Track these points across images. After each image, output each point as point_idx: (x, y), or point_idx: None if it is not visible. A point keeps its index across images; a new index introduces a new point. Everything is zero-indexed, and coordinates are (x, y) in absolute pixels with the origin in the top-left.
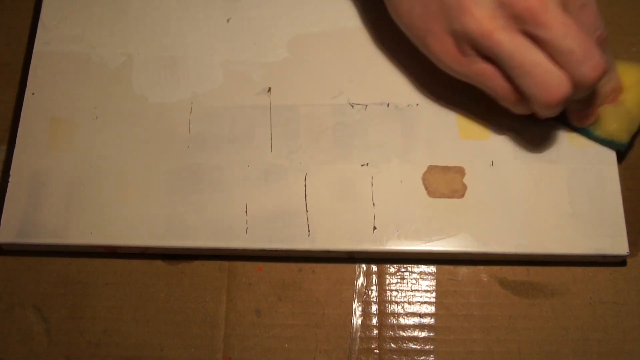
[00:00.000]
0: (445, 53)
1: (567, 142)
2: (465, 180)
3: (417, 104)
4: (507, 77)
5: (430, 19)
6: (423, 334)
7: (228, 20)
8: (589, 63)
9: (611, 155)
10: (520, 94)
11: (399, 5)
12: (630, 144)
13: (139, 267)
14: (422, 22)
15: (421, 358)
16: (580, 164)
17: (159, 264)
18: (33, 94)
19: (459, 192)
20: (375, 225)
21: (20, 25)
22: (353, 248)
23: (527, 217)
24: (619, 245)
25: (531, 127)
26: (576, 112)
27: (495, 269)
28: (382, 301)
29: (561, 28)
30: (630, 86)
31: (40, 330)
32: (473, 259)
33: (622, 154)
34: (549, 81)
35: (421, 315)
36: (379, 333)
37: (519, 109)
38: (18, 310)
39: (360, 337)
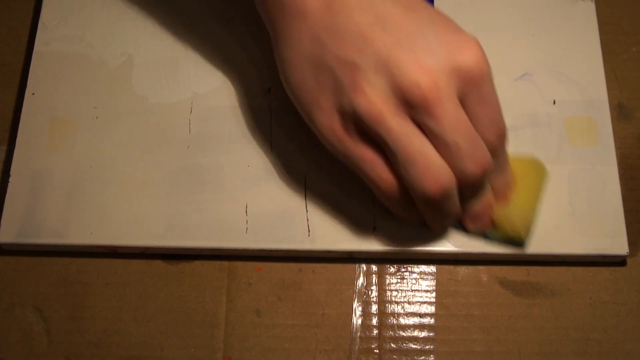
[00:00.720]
0: (329, 130)
1: (567, 142)
2: None
3: None
4: (389, 168)
5: (320, 93)
6: (423, 334)
7: (228, 20)
8: (472, 158)
9: (611, 155)
10: (402, 190)
11: (291, 74)
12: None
13: (139, 267)
14: (311, 95)
15: (421, 358)
16: (580, 164)
17: (159, 264)
18: (33, 94)
19: None
20: (375, 225)
21: (20, 25)
22: (353, 248)
23: None
24: (619, 246)
25: (531, 129)
26: (470, 217)
27: (495, 269)
28: (382, 301)
29: (450, 122)
30: (520, 178)
31: (40, 330)
32: (473, 259)
33: (622, 155)
34: (431, 172)
35: (421, 315)
36: (379, 333)
37: (399, 209)
38: (18, 310)
39: (360, 337)
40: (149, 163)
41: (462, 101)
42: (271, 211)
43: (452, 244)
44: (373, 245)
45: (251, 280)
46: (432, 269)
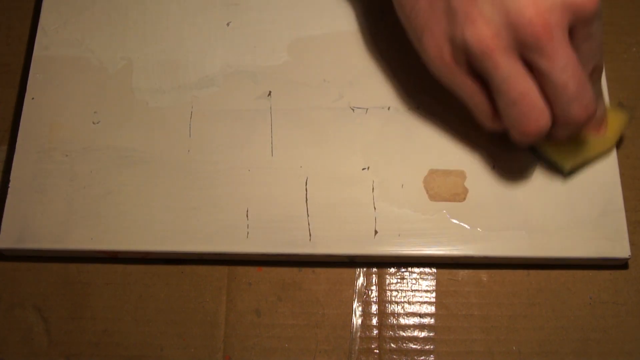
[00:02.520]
0: (437, 56)
1: None
2: (467, 183)
3: (418, 108)
4: (490, 100)
5: (432, 18)
6: (423, 334)
7: (228, 24)
8: (579, 102)
9: (612, 157)
10: (498, 118)
11: None
12: (568, 173)
13: (139, 267)
14: (423, 19)
15: (421, 358)
16: None
17: (159, 264)
18: (33, 98)
19: (460, 195)
20: (377, 229)
21: (21, 25)
22: (354, 252)
23: (528, 221)
24: (621, 249)
25: None
26: (558, 126)
27: (495, 269)
28: (382, 301)
29: (562, 60)
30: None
31: (40, 330)
32: (474, 263)
33: (622, 155)
34: (531, 115)
35: (421, 315)
36: (379, 333)
37: (492, 127)
38: (18, 310)
39: (360, 337)
40: (149, 167)
41: (570, 35)
42: (272, 215)
43: (452, 247)
44: (374, 249)
45: (251, 281)
46: (432, 269)
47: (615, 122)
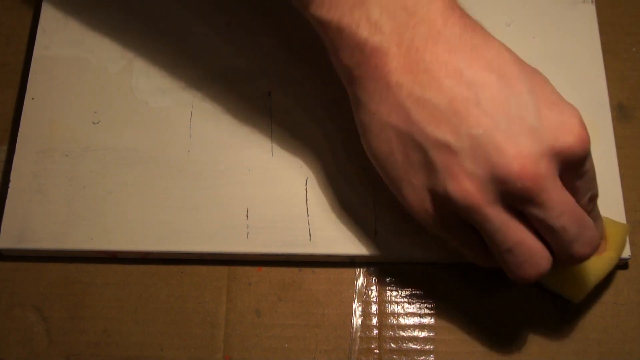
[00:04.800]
0: (421, 209)
1: None
2: None
3: None
4: (484, 246)
5: (410, 171)
6: (423, 334)
7: (228, 24)
8: (581, 241)
9: (612, 156)
10: (494, 261)
11: (377, 145)
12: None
13: (139, 267)
14: (400, 171)
15: (421, 358)
16: None
17: (158, 264)
18: (33, 98)
19: None
20: (377, 229)
21: (21, 25)
22: (354, 252)
23: None
24: None
25: None
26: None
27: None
28: (382, 301)
29: (557, 208)
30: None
31: (40, 330)
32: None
33: (622, 155)
34: (530, 261)
35: (421, 315)
36: (379, 333)
37: (488, 266)
38: (18, 310)
39: (360, 337)
40: (149, 167)
41: (561, 176)
42: (272, 215)
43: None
44: (374, 249)
45: (251, 281)
46: (432, 269)
47: (616, 236)
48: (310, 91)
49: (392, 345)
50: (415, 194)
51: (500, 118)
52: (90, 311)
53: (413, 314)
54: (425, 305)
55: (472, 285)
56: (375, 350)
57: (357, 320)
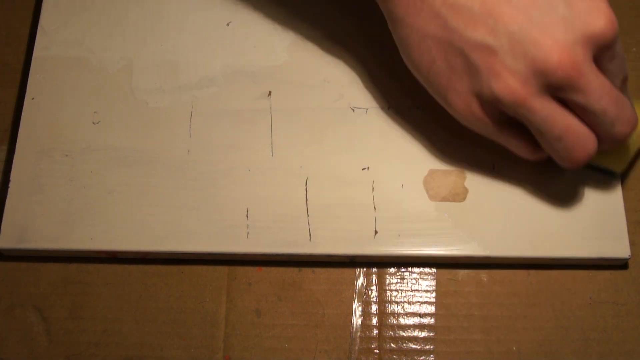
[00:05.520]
0: (467, 112)
1: None
2: (467, 183)
3: (418, 108)
4: (534, 142)
5: (453, 77)
6: (423, 334)
7: (228, 24)
8: (621, 121)
9: None
10: (542, 150)
11: (418, 57)
12: (621, 172)
13: (139, 267)
14: (444, 79)
15: (421, 358)
16: None
17: (158, 264)
18: (33, 98)
19: (460, 195)
20: (377, 229)
21: (20, 25)
22: (354, 252)
23: (529, 221)
24: (621, 249)
25: None
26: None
27: (495, 269)
28: (382, 301)
29: (596, 91)
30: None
31: (40, 330)
32: (474, 263)
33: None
34: (578, 145)
35: (421, 315)
36: (379, 333)
37: (535, 159)
38: (18, 310)
39: (360, 337)
40: (149, 167)
41: (596, 60)
42: (272, 215)
43: (452, 247)
44: (374, 249)
45: (251, 280)
46: (432, 269)
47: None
48: (310, 91)
49: (392, 345)
50: (462, 99)
51: (533, 12)
52: (90, 311)
53: (413, 314)
54: (425, 305)
55: (472, 285)
56: (375, 350)
57: (357, 320)
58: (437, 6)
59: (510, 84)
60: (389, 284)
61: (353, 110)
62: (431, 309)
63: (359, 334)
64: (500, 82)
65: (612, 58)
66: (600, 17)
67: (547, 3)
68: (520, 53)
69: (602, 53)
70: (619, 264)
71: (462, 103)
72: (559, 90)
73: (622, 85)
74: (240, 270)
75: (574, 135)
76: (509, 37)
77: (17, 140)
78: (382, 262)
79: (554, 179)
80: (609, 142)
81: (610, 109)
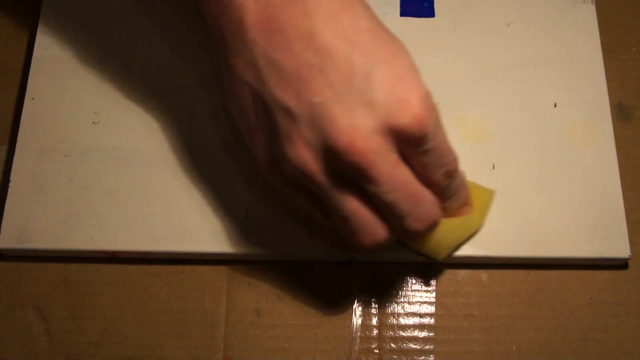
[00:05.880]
0: (267, 168)
1: (568, 144)
2: None
3: None
4: (323, 211)
5: (258, 128)
6: (423, 334)
7: None
8: (412, 217)
9: (612, 157)
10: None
11: (233, 101)
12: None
13: (139, 267)
14: (250, 127)
15: (421, 358)
16: (580, 166)
17: (158, 264)
18: (33, 98)
19: None
20: None
21: (20, 25)
22: (354, 252)
23: (528, 221)
24: (621, 249)
25: (532, 131)
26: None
27: (494, 269)
28: (382, 301)
29: (388, 184)
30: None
31: (40, 330)
32: (474, 263)
33: (622, 155)
34: (364, 230)
35: (421, 315)
36: (379, 333)
37: (330, 229)
38: (18, 310)
39: (360, 337)
40: (149, 167)
41: (404, 153)
42: (272, 216)
43: None
44: (374, 249)
45: (251, 281)
46: (432, 269)
47: (481, 199)
48: None
49: (392, 345)
50: (263, 153)
51: (341, 89)
52: (90, 311)
53: (413, 314)
54: (425, 305)
55: (472, 285)
56: (375, 350)
57: (357, 320)
58: (257, 56)
59: (302, 154)
60: (389, 284)
61: None
62: (431, 309)
63: (359, 334)
64: (294, 150)
65: (423, 153)
66: (406, 111)
67: (359, 83)
68: (317, 127)
69: (410, 147)
70: (619, 264)
71: (263, 157)
72: (349, 175)
73: (447, 180)
74: (240, 270)
75: (362, 221)
76: (311, 108)
77: (17, 140)
78: (382, 262)
79: (554, 179)
80: (401, 234)
81: (401, 203)
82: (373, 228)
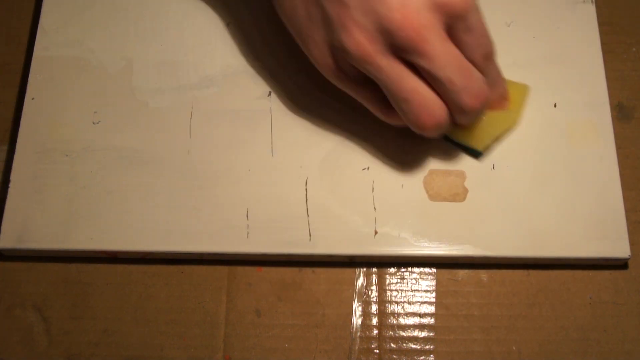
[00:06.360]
0: (325, 64)
1: (568, 144)
2: (467, 184)
3: None
4: (385, 100)
5: (311, 26)
6: (423, 334)
7: (228, 24)
8: (467, 93)
9: (612, 157)
10: (398, 116)
11: (283, 4)
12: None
13: (139, 267)
14: (304, 27)
15: (421, 358)
16: (580, 166)
17: (159, 264)
18: (33, 98)
19: (460, 195)
20: (377, 229)
21: (20, 25)
22: (354, 252)
23: (528, 221)
24: (621, 249)
25: (532, 131)
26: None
27: (494, 269)
28: (382, 301)
29: (441, 58)
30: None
31: (40, 330)
32: (474, 263)
33: (622, 155)
34: (425, 108)
35: (421, 315)
36: (379, 333)
37: (392, 123)
38: (18, 310)
39: (360, 337)
40: (149, 167)
41: (450, 31)
42: (272, 215)
43: (452, 247)
44: (374, 249)
45: (251, 281)
46: (432, 269)
47: (517, 95)
48: (310, 91)
49: (392, 345)
50: (318, 49)
51: None
52: (90, 311)
53: (413, 314)
54: (425, 305)
55: (472, 285)
56: (375, 350)
57: (357, 320)
58: None
59: (358, 38)
60: (389, 284)
61: (353, 110)
62: (431, 309)
63: (359, 334)
64: (349, 36)
65: (466, 30)
66: None
67: None
68: (368, 9)
69: (454, 23)
70: (619, 264)
71: (319, 53)
72: (403, 52)
73: (485, 62)
74: (240, 270)
75: (421, 99)
76: None
77: (17, 140)
78: (382, 262)
79: (554, 179)
80: (458, 113)
81: (455, 78)
82: (432, 106)
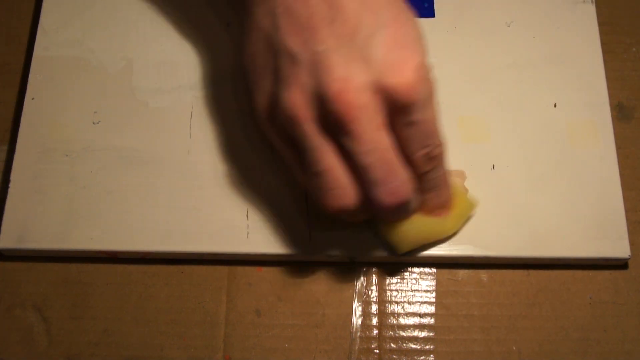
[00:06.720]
0: (262, 111)
1: (568, 144)
2: (466, 184)
3: None
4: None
5: (263, 72)
6: (423, 334)
7: (228, 24)
8: (384, 187)
9: (612, 157)
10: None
11: (247, 47)
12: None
13: (139, 267)
14: (257, 72)
15: (421, 358)
16: (580, 166)
17: (159, 264)
18: (33, 98)
19: None
20: (377, 230)
21: (20, 25)
22: (354, 253)
23: (528, 221)
24: (621, 249)
25: (532, 131)
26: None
27: (494, 269)
28: (382, 301)
29: (366, 144)
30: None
31: (40, 330)
32: (474, 263)
33: (622, 155)
34: (332, 190)
35: (421, 315)
36: (379, 333)
37: (302, 186)
38: (18, 310)
39: (360, 337)
40: (149, 167)
41: (391, 122)
42: (272, 216)
43: (452, 247)
44: (374, 249)
45: (251, 281)
46: (432, 269)
47: (462, 207)
48: None
49: (392, 345)
50: (262, 96)
51: (344, 41)
52: (90, 311)
53: (413, 314)
54: (425, 305)
55: (472, 285)
56: (375, 350)
57: (357, 320)
58: (277, 4)
59: (295, 98)
60: (389, 284)
61: None
62: (431, 309)
63: (359, 334)
64: (289, 92)
65: (408, 125)
66: (399, 74)
67: (365, 40)
68: (314, 72)
69: (397, 114)
70: (619, 264)
71: (261, 100)
72: (332, 126)
73: (426, 163)
74: (240, 270)
75: (332, 180)
76: (313, 55)
77: (17, 140)
78: (382, 262)
79: (554, 179)
80: (370, 204)
81: (375, 168)
82: (342, 190)
